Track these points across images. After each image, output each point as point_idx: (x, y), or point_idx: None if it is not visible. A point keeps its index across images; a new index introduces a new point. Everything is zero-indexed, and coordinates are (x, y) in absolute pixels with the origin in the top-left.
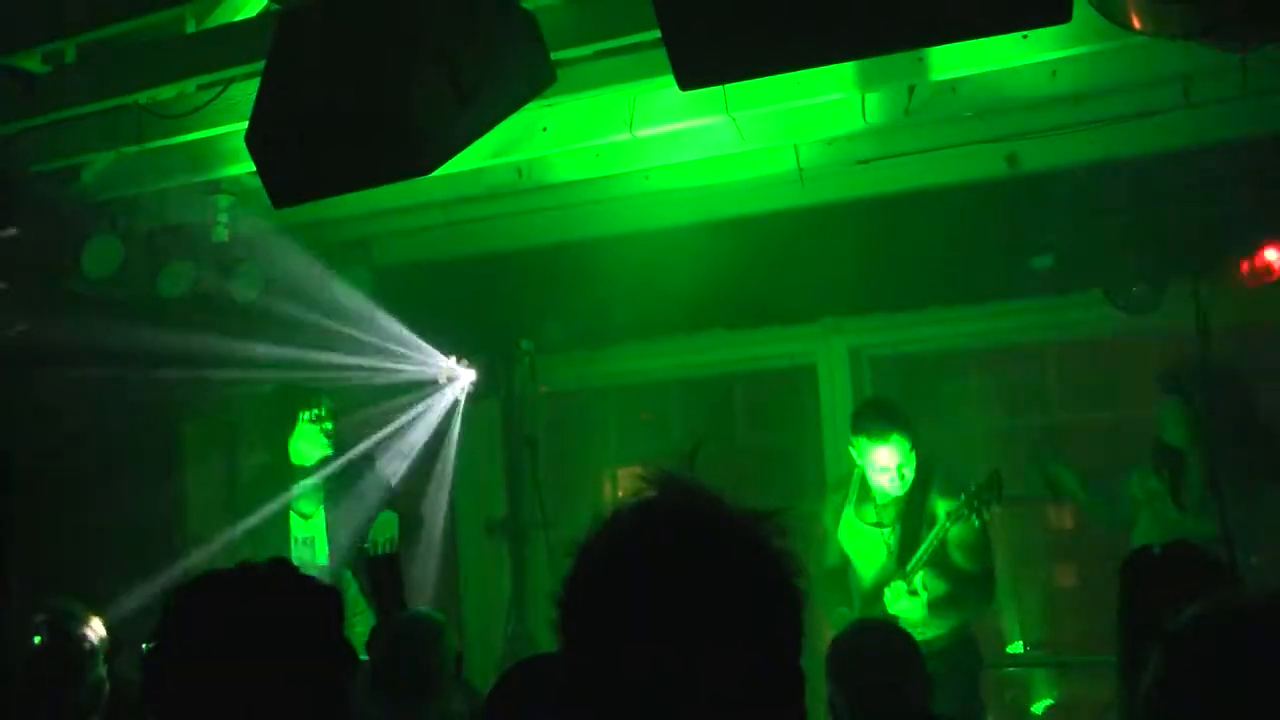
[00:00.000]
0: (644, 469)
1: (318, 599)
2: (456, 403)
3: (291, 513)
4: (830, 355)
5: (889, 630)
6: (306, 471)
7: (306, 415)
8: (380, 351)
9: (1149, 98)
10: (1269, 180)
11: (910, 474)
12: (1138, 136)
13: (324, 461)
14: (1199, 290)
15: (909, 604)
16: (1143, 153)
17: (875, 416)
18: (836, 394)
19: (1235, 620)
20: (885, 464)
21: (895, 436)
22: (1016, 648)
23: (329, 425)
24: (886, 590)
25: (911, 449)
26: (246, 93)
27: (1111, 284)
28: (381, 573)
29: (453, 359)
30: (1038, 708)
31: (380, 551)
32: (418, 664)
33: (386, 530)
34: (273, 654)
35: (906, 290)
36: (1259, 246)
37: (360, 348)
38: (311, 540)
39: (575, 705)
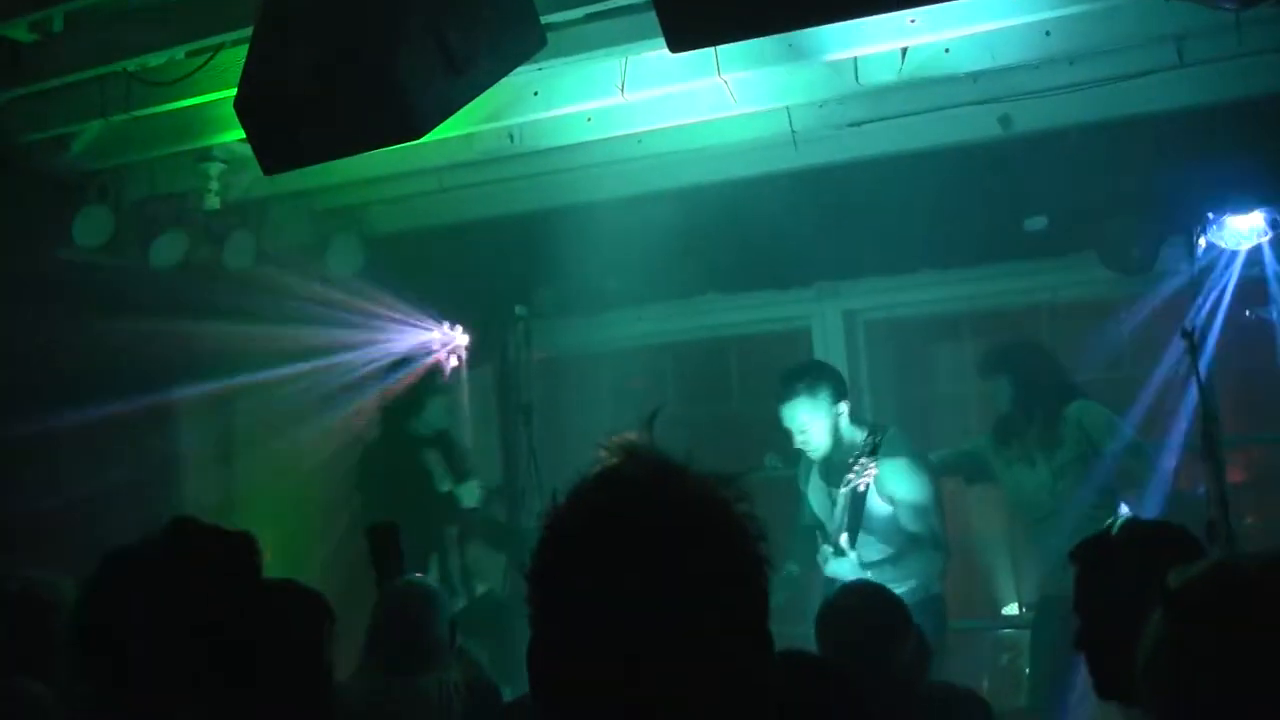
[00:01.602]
0: (606, 440)
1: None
2: (456, 370)
3: (457, 491)
4: (825, 319)
5: (875, 596)
6: (428, 442)
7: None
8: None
9: (1143, 58)
10: (1263, 140)
11: (825, 437)
12: (1132, 97)
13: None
14: (1194, 251)
15: (840, 565)
16: (1137, 113)
17: (783, 380)
18: (832, 358)
19: (1239, 579)
20: (795, 426)
21: (798, 398)
22: (1012, 609)
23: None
24: (819, 555)
25: (822, 410)
26: (236, 59)
27: (1105, 245)
28: (381, 542)
29: (446, 325)
30: None
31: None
32: (415, 633)
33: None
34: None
35: (901, 253)
36: (1253, 207)
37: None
38: None
39: (543, 676)
